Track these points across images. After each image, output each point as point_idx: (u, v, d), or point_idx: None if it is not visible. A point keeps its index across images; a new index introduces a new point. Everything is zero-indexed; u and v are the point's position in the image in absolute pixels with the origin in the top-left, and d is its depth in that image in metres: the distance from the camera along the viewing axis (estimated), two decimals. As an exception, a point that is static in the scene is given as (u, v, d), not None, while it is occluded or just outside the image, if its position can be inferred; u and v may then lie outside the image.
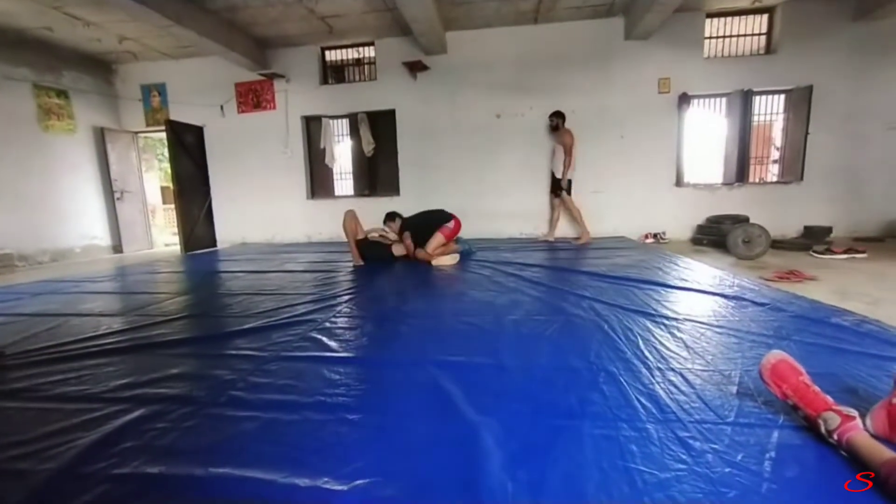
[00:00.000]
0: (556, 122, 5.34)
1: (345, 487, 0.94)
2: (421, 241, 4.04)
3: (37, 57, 5.49)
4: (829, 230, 4.93)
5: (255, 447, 1.11)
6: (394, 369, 1.60)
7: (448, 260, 3.94)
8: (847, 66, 5.14)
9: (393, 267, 3.90)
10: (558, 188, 5.34)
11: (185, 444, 1.14)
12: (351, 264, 4.08)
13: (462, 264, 3.88)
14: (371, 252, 4.15)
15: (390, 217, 4.35)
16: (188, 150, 6.28)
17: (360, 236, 4.20)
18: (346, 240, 4.15)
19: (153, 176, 7.39)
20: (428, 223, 4.12)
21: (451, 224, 4.09)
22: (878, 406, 1.04)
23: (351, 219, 4.03)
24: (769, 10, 5.33)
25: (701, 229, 5.31)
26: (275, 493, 0.94)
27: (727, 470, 0.95)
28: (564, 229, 5.82)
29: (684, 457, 1.00)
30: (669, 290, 2.66)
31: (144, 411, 1.31)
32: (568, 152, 5.16)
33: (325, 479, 0.96)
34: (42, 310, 2.73)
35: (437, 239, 4.01)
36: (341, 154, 6.56)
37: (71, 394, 1.47)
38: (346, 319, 2.26)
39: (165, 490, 0.97)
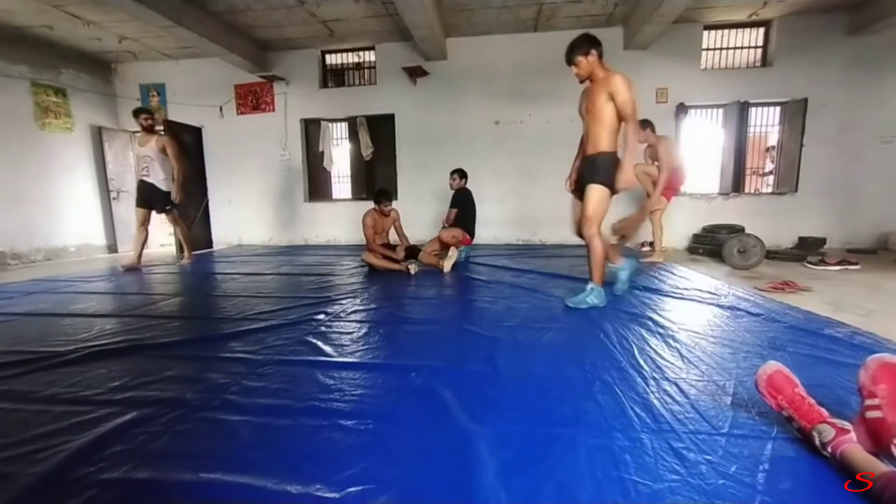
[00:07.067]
0: (148, 122, 4.33)
1: (337, 495, 0.93)
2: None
3: (35, 54, 5.46)
4: (822, 241, 4.97)
5: (246, 452, 1.10)
6: (388, 375, 1.60)
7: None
8: (842, 80, 5.21)
9: (390, 274, 3.88)
10: (170, 206, 4.47)
11: (176, 448, 1.13)
12: (346, 268, 4.08)
13: (458, 271, 3.88)
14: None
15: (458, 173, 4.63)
16: (186, 151, 6.24)
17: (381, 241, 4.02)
18: (346, 244, 4.12)
19: (150, 176, 7.35)
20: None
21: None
22: (855, 424, 1.02)
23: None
24: (766, 24, 5.39)
25: (697, 238, 5.33)
26: (266, 499, 0.93)
27: (721, 481, 0.95)
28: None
29: (678, 467, 1.00)
30: (665, 298, 2.67)
31: (136, 414, 1.30)
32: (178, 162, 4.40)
33: (318, 486, 0.95)
34: (33, 309, 2.70)
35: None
36: (340, 157, 6.56)
37: (61, 396, 1.45)
38: (341, 324, 2.25)
39: (155, 496, 0.96)
